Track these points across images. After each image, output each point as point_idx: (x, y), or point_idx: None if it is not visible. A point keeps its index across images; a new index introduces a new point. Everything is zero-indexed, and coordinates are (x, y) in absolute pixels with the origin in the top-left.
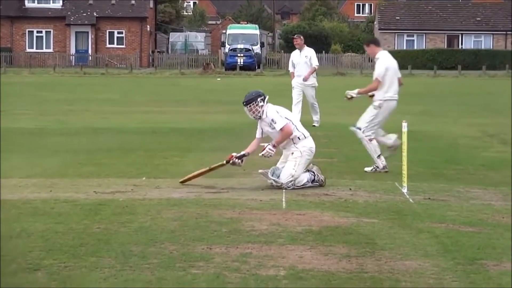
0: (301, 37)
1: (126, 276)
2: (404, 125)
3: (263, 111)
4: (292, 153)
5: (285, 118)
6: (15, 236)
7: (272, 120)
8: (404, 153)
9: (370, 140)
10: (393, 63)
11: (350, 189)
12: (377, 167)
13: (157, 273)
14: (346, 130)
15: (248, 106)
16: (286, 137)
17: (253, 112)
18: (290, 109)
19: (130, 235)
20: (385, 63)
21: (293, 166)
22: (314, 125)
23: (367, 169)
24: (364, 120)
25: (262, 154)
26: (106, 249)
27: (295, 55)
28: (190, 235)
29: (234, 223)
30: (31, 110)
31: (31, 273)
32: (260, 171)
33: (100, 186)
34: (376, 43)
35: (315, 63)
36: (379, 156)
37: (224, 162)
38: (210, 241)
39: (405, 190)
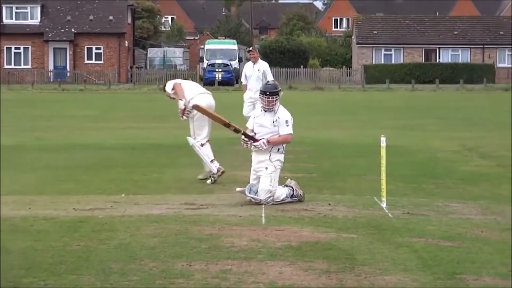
0: (257, 50)
1: None
2: (383, 139)
3: (278, 106)
4: (266, 168)
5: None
6: None
7: (286, 121)
8: (383, 168)
9: (202, 145)
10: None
11: (330, 204)
12: (213, 174)
13: None
14: (325, 145)
15: (271, 96)
16: (283, 143)
17: (269, 103)
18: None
19: (110, 252)
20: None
21: (269, 182)
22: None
23: (200, 176)
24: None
25: (255, 145)
26: (86, 267)
27: (248, 68)
28: (170, 251)
29: (213, 239)
30: (9, 126)
31: None
32: (237, 189)
33: (79, 203)
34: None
35: (270, 77)
36: (212, 160)
37: (239, 130)
38: (189, 258)
39: (384, 205)
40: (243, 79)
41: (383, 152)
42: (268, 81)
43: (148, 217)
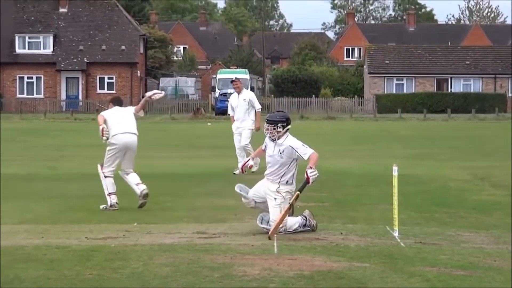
0: (240, 80)
1: None
2: (395, 169)
3: (279, 136)
4: (275, 198)
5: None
6: (8, 282)
7: (303, 145)
8: (395, 197)
9: (106, 177)
10: (119, 110)
11: (342, 233)
12: (108, 206)
13: None
14: (337, 175)
15: (271, 125)
16: (317, 160)
17: (270, 133)
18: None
19: (123, 281)
20: (104, 113)
21: (279, 212)
22: (235, 173)
23: (101, 206)
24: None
25: (313, 180)
26: None
27: (233, 99)
28: (182, 280)
29: (226, 268)
30: (21, 156)
31: None
32: (236, 189)
33: (92, 232)
34: (113, 102)
35: (257, 106)
36: (109, 194)
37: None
38: (202, 286)
39: (396, 234)
40: (230, 110)
41: (395, 182)
42: (279, 111)
43: (161, 246)
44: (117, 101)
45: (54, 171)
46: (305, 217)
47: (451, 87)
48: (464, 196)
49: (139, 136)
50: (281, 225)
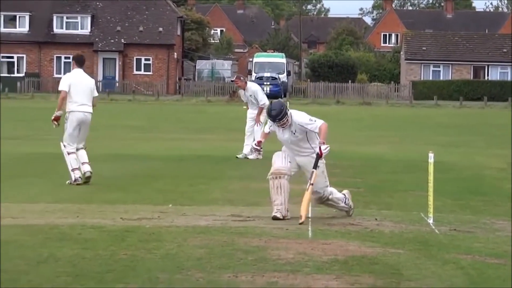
0: (241, 78)
1: None
2: (431, 155)
3: (291, 119)
4: (318, 166)
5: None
6: (42, 261)
7: (310, 119)
8: (430, 184)
9: (68, 153)
10: (80, 80)
11: (376, 219)
12: (72, 181)
13: None
14: (372, 161)
15: (281, 121)
16: (326, 132)
17: (282, 125)
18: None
19: (157, 262)
20: (68, 78)
21: (325, 180)
22: (239, 156)
23: (67, 182)
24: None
25: (325, 154)
26: (133, 276)
27: (241, 94)
28: (216, 262)
29: (260, 251)
30: (58, 135)
31: None
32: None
33: (127, 212)
34: (75, 59)
35: (262, 101)
36: (73, 169)
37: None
38: (236, 269)
39: (431, 221)
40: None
41: (430, 168)
42: (271, 107)
43: (195, 228)
44: (80, 61)
45: (89, 151)
46: (345, 195)
47: (488, 75)
48: (499, 184)
49: (175, 119)
50: (324, 196)
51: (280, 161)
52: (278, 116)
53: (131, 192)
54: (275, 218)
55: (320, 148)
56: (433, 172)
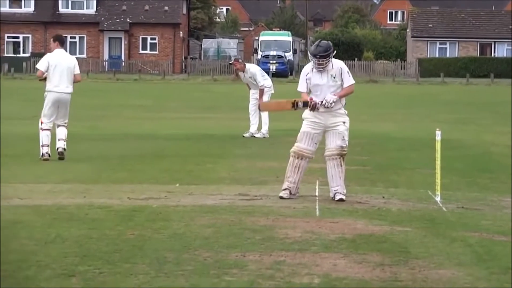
0: (239, 60)
1: (161, 282)
2: (438, 133)
3: (331, 63)
4: (344, 122)
5: None
6: (50, 241)
7: (348, 72)
8: (438, 161)
9: (42, 129)
10: (60, 61)
11: (383, 197)
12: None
13: (191, 280)
14: (379, 138)
15: (321, 59)
16: (349, 94)
17: (320, 65)
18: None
19: (164, 242)
20: (48, 58)
21: (347, 134)
22: (245, 135)
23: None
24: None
25: (327, 102)
26: (141, 256)
27: (241, 77)
28: (224, 242)
29: (267, 230)
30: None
31: (66, 279)
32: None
33: (134, 192)
34: (57, 39)
35: (260, 82)
36: (42, 145)
37: (306, 101)
38: (244, 249)
39: (438, 199)
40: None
41: (438, 146)
42: (319, 43)
43: (202, 207)
44: (61, 40)
45: (96, 131)
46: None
47: (494, 52)
48: (506, 161)
49: (182, 98)
50: (346, 147)
51: (306, 142)
52: (322, 52)
53: (138, 171)
54: (283, 196)
55: (329, 96)
56: (440, 150)
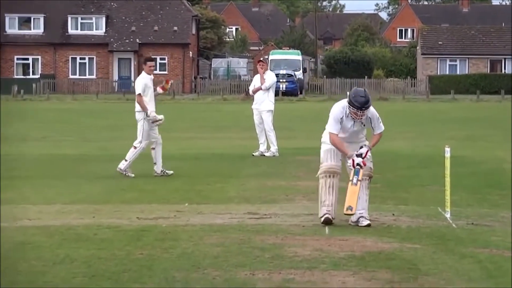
0: (266, 62)
1: None
2: (447, 150)
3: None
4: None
5: None
6: (59, 262)
7: (378, 118)
8: (447, 178)
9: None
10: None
11: (393, 214)
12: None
13: None
14: (389, 156)
15: (366, 110)
16: (379, 141)
17: (362, 117)
18: None
19: (173, 261)
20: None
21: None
22: (255, 154)
23: None
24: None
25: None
26: (149, 275)
27: (256, 79)
28: (233, 261)
29: (276, 248)
30: (74, 136)
31: None
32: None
33: (143, 212)
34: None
35: (266, 83)
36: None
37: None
38: (253, 267)
39: (448, 215)
40: (251, 89)
41: (447, 163)
42: (359, 93)
43: (211, 226)
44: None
45: (106, 152)
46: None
47: (504, 68)
48: None
49: (191, 118)
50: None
51: (332, 159)
52: (367, 104)
53: (147, 191)
54: (327, 222)
55: (366, 150)
56: (450, 167)
